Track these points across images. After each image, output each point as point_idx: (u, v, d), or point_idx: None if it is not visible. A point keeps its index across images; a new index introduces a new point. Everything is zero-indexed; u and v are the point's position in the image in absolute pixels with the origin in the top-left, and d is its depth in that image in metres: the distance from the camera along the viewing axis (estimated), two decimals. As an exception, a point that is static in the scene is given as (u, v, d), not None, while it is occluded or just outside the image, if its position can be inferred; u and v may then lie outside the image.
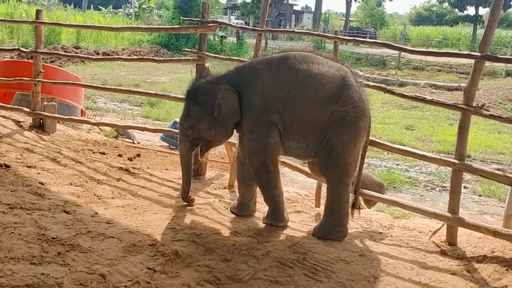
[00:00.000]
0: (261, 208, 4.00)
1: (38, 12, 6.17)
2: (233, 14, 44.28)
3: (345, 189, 3.47)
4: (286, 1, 43.01)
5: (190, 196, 3.96)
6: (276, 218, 3.66)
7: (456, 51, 23.28)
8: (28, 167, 4.52)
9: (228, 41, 23.94)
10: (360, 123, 3.39)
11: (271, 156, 3.52)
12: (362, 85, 3.69)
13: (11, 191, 3.75)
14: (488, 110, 3.51)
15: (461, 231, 3.63)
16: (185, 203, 3.97)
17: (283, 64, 3.48)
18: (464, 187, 5.92)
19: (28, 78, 6.14)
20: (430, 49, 25.60)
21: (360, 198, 3.83)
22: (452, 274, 3.13)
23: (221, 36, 23.12)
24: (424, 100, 3.85)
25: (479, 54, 3.38)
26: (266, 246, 3.25)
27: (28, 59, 10.75)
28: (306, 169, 4.28)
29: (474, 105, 3.51)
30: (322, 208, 4.25)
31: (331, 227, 3.49)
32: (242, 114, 3.52)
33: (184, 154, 3.79)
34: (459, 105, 3.54)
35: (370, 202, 4.08)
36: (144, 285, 2.59)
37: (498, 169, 5.93)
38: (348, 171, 3.44)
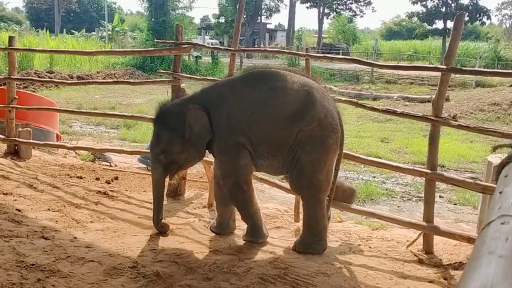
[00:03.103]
0: (241, 225, 4.03)
1: (10, 38, 6.16)
2: (207, 34, 44.55)
3: (320, 205, 3.50)
4: (259, 20, 43.52)
5: (162, 222, 3.81)
6: (255, 235, 3.69)
7: (423, 64, 23.81)
8: (4, 194, 4.48)
9: (203, 61, 24.07)
10: (328, 140, 3.38)
11: (243, 176, 3.55)
12: (333, 99, 3.67)
13: (-13, 219, 3.71)
14: (457, 121, 3.63)
15: (437, 239, 3.71)
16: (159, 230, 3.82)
17: (245, 85, 3.51)
18: (440, 197, 6.03)
19: (2, 104, 6.09)
20: (402, 63, 26.14)
21: (334, 212, 3.86)
22: (429, 282, 3.20)
23: (196, 56, 23.23)
24: (395, 113, 3.96)
25: (445, 67, 3.50)
26: (247, 263, 3.28)
27: (0, 85, 10.64)
28: (285, 185, 4.34)
29: (446, 116, 3.61)
30: (301, 223, 4.31)
31: (311, 241, 3.53)
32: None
33: (156, 180, 3.72)
34: (428, 117, 3.64)
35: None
36: (126, 307, 2.59)
37: (472, 178, 6.07)
38: (321, 188, 3.47)
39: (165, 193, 3.96)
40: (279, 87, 3.40)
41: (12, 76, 6.07)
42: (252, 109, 3.40)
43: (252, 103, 3.42)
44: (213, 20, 44.86)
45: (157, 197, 3.74)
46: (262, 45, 39.25)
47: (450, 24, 35.16)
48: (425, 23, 39.76)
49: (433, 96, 3.62)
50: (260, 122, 3.40)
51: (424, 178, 3.76)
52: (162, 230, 3.80)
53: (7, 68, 6.23)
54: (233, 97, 3.49)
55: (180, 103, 3.67)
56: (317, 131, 3.34)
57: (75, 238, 3.56)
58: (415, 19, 41.09)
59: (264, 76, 3.51)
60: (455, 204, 5.98)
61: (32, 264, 2.97)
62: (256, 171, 3.76)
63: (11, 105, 6.02)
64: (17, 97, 6.12)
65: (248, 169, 3.55)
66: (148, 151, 5.89)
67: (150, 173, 6.12)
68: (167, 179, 3.91)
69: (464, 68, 4.10)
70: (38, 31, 28.88)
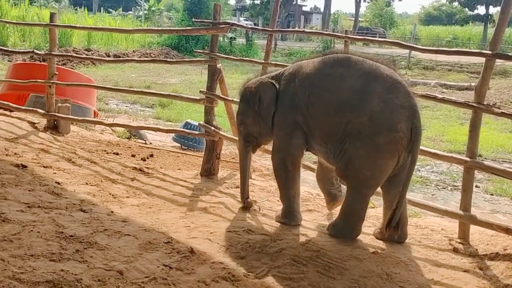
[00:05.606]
0: (274, 207, 4.05)
1: (52, 15, 6.28)
2: (242, 15, 44.36)
3: (361, 198, 3.39)
4: (295, 2, 42.98)
5: (248, 198, 3.96)
6: (289, 217, 3.68)
7: (466, 49, 23.11)
8: (44, 167, 4.61)
9: (237, 43, 24.03)
10: (380, 138, 3.14)
11: (291, 156, 3.55)
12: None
13: (29, 190, 3.83)
14: (500, 108, 3.53)
15: (473, 228, 3.65)
16: (242, 205, 3.99)
17: (314, 67, 3.44)
18: (476, 186, 5.89)
19: (42, 80, 6.24)
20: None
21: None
22: (464, 271, 3.15)
23: (231, 38, 23.20)
24: (435, 99, 3.88)
25: (490, 52, 3.39)
26: (280, 244, 3.29)
27: (40, 61, 10.87)
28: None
29: (485, 103, 3.51)
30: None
31: (343, 227, 3.48)
32: (276, 111, 3.60)
33: (240, 151, 3.96)
34: (470, 103, 3.55)
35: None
36: (161, 281, 2.64)
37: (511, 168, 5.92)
38: (366, 183, 3.33)
39: (249, 167, 4.06)
40: (340, 72, 3.30)
41: (53, 52, 6.20)
42: (310, 90, 3.38)
43: (312, 84, 3.39)
44: (248, 1, 44.48)
45: (241, 168, 3.94)
46: (297, 27, 38.84)
47: (492, 10, 34.07)
48: (466, 8, 38.61)
49: (473, 84, 3.52)
50: (315, 105, 3.36)
51: (462, 167, 3.68)
52: (246, 205, 3.96)
53: (47, 45, 6.35)
54: (300, 76, 3.48)
55: (260, 78, 3.77)
56: (368, 126, 3.16)
57: (112, 212, 3.64)
58: (456, 3, 39.97)
59: (333, 59, 3.41)
60: (492, 194, 5.86)
61: (71, 236, 3.05)
62: (315, 155, 3.72)
63: (51, 81, 6.15)
64: (57, 73, 6.25)
65: (298, 151, 3.54)
66: (183, 130, 5.97)
67: (184, 152, 6.23)
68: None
69: (510, 54, 3.93)
70: (76, 9, 29.30)
